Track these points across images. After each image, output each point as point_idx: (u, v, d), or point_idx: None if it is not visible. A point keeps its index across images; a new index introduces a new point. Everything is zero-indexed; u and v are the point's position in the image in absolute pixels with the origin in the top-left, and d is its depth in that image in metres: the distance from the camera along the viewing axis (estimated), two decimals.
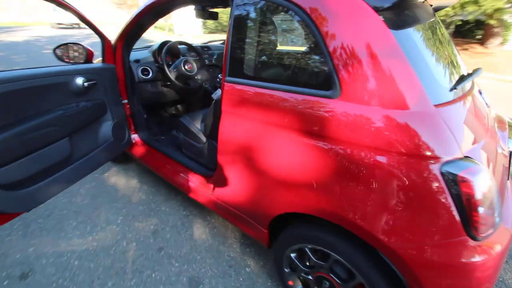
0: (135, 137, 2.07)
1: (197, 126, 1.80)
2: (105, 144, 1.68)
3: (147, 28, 1.76)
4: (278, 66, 1.06)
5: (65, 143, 1.41)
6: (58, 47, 1.61)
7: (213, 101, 1.47)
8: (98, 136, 1.67)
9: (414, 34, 0.96)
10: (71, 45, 1.64)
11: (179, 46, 2.12)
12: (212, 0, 1.33)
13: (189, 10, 1.56)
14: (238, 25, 1.14)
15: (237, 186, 1.28)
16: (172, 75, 1.93)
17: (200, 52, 2.14)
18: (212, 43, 2.68)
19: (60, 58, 1.61)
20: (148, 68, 2.04)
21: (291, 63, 1.04)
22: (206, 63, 2.20)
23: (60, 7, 1.40)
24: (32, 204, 1.27)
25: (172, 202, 1.99)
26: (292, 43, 1.10)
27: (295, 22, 1.00)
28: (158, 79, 2.09)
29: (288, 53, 1.07)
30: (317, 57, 0.95)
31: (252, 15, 1.11)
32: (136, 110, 2.03)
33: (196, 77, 2.07)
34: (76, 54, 1.64)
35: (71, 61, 1.62)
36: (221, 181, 1.37)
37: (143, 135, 2.09)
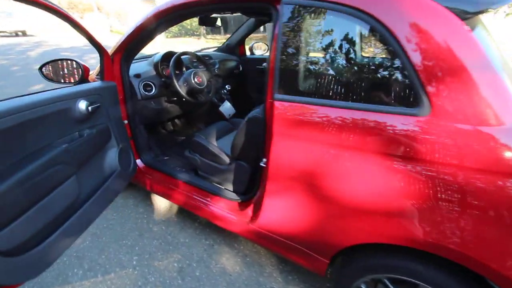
0: (138, 162, 1.82)
1: (214, 144, 1.62)
2: (113, 175, 1.43)
3: (152, 39, 1.53)
4: (347, 82, 0.95)
5: (72, 183, 1.15)
6: (45, 64, 1.33)
7: (246, 120, 1.31)
8: (103, 168, 1.42)
9: (489, 41, 0.91)
10: (62, 61, 1.37)
11: (182, 57, 1.90)
12: (253, 12, 1.17)
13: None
14: (291, 37, 1.00)
15: (292, 215, 1.14)
16: (182, 90, 1.72)
17: (206, 62, 1.95)
18: (209, 51, 2.48)
19: (50, 79, 1.32)
20: (151, 83, 1.80)
21: (363, 78, 0.93)
22: (214, 73, 2.01)
23: (52, 13, 1.14)
24: (40, 269, 1.02)
25: (190, 231, 1.78)
26: (363, 56, 1.00)
27: (368, 33, 0.89)
28: (162, 95, 1.86)
29: (360, 66, 0.96)
30: (396, 71, 0.86)
31: (311, 24, 0.98)
32: (138, 131, 1.78)
33: (205, 90, 1.87)
34: (70, 72, 1.36)
35: (65, 82, 1.35)
36: (269, 209, 1.22)
37: (147, 159, 1.85)
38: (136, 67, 1.82)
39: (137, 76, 1.76)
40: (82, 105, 1.20)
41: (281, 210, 1.18)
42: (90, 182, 1.30)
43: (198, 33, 12.81)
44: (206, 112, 2.24)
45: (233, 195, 1.53)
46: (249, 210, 1.37)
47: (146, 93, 1.77)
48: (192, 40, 12.19)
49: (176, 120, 2.41)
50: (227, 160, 1.58)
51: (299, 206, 1.11)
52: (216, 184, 1.65)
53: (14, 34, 13.60)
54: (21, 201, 0.92)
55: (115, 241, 1.69)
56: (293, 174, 1.08)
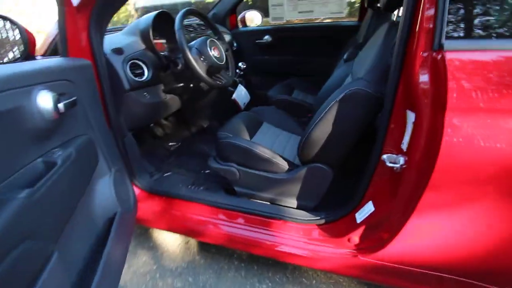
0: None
1: (260, 145, 1.08)
2: (114, 227, 0.80)
3: None
4: None
5: (54, 273, 0.52)
6: None
7: (339, 100, 0.82)
8: (95, 216, 0.78)
9: None
10: None
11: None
12: None
13: None
14: None
15: (467, 234, 0.71)
16: (201, 69, 1.09)
17: (217, 28, 1.32)
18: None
19: None
20: (141, 63, 1.13)
21: None
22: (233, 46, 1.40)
23: None
24: None
25: (231, 276, 1.22)
26: None
27: None
28: (158, 81, 1.20)
29: None
30: None
31: None
32: (126, 141, 1.12)
33: (224, 69, 1.28)
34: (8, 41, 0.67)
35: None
36: (418, 231, 0.75)
37: (144, 182, 1.22)
38: (112, 40, 1.13)
39: (118, 51, 1.07)
40: (45, 100, 0.56)
41: (445, 230, 0.73)
42: (80, 250, 0.66)
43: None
44: (212, 102, 1.63)
45: (308, 215, 1.03)
46: (355, 236, 0.89)
47: (136, 78, 1.11)
48: None
49: (164, 120, 1.73)
50: (285, 165, 1.06)
51: (484, 220, 0.68)
52: (269, 203, 1.13)
53: None
54: None
55: None
56: (482, 176, 0.63)
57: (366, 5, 1.48)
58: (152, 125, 1.66)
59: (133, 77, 1.09)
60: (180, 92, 1.28)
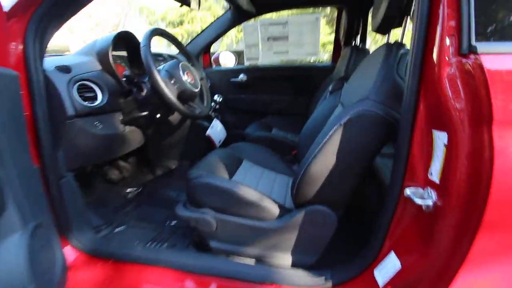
0: (68, 251, 0.86)
1: (246, 185, 0.87)
2: None
3: None
4: None
5: None
6: None
7: (345, 123, 0.68)
8: None
9: None
10: None
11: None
12: None
13: None
14: None
15: None
16: (171, 92, 0.89)
17: (189, 54, 1.18)
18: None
19: None
20: (94, 85, 0.91)
21: None
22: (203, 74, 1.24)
23: None
24: None
25: None
26: None
27: None
28: (116, 107, 0.98)
29: None
30: None
31: None
32: (64, 185, 0.84)
33: (198, 97, 1.11)
34: None
35: None
36: None
37: (87, 240, 0.91)
38: (60, 59, 0.92)
39: (64, 69, 0.85)
40: None
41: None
42: None
43: None
44: (182, 139, 1.40)
45: (309, 277, 0.78)
46: None
47: (86, 102, 0.88)
48: None
49: (121, 159, 1.44)
50: (275, 210, 0.84)
51: None
52: (255, 261, 0.87)
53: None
54: None
55: None
56: None
57: (342, 43, 1.51)
58: (105, 165, 1.37)
59: (81, 101, 0.86)
60: (144, 124, 1.06)
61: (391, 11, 0.71)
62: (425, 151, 0.59)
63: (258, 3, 1.60)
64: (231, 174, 1.02)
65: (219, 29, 1.88)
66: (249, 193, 0.83)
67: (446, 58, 0.52)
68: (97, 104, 0.90)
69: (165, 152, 1.41)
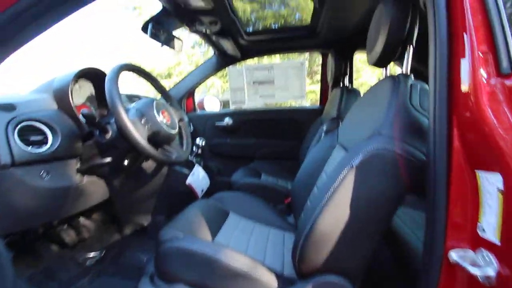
0: None
1: (229, 247, 0.68)
2: None
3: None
4: None
5: None
6: None
7: (355, 166, 0.54)
8: None
9: None
10: None
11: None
12: None
13: None
14: None
15: None
16: (139, 133, 0.73)
17: (168, 93, 1.05)
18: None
19: None
20: (44, 127, 0.74)
21: None
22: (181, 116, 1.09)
23: None
24: None
25: None
26: None
27: None
28: (71, 154, 0.79)
29: None
30: None
31: None
32: None
33: (176, 141, 0.95)
34: None
35: None
36: None
37: None
38: (6, 95, 0.76)
39: (6, 107, 0.69)
40: None
41: None
42: None
43: None
44: (157, 189, 1.19)
45: None
46: None
47: (29, 148, 0.69)
48: None
49: (78, 217, 1.18)
50: (272, 282, 0.64)
51: None
52: None
53: None
54: None
55: None
56: None
57: (330, 85, 1.48)
58: (59, 224, 1.11)
59: (22, 145, 0.68)
60: (108, 173, 0.87)
61: (392, 42, 0.64)
62: (468, 199, 0.45)
63: (243, 48, 1.59)
64: (215, 232, 0.82)
65: (204, 73, 1.84)
66: (237, 261, 0.63)
67: (483, 81, 0.41)
68: (46, 150, 0.72)
69: (136, 206, 1.19)
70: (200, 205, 0.96)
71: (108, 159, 0.81)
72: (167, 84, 6.76)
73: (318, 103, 1.86)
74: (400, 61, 0.69)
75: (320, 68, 1.76)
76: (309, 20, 1.37)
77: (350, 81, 1.47)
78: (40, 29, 0.60)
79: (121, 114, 0.69)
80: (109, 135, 0.80)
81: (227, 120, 1.86)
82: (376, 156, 0.53)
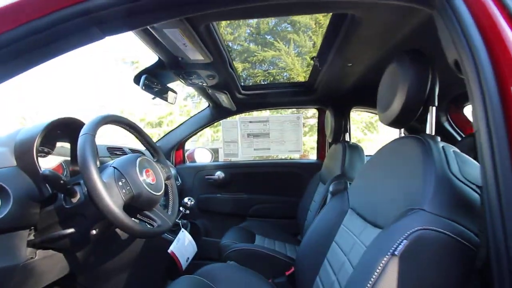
0: None
1: None
2: None
3: None
4: None
5: None
6: None
7: (398, 254, 0.42)
8: None
9: None
10: None
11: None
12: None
13: None
14: None
15: None
16: (112, 199, 0.58)
17: (155, 147, 0.92)
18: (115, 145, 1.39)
19: None
20: None
21: None
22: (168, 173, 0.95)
23: None
24: None
25: None
26: None
27: None
28: (23, 222, 0.62)
29: None
30: None
31: None
32: None
33: (161, 203, 0.80)
34: None
35: None
36: None
37: None
38: None
39: None
40: None
41: None
42: None
43: None
44: (132, 260, 0.96)
45: None
46: None
47: None
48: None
49: None
50: None
51: None
52: None
53: None
54: None
55: None
56: None
57: (330, 140, 1.43)
58: None
59: None
60: (69, 246, 0.69)
61: (412, 104, 0.59)
62: None
63: (239, 102, 1.57)
64: None
65: (196, 125, 1.77)
66: None
67: None
68: None
69: (104, 282, 0.96)
70: (183, 285, 0.77)
71: (71, 230, 0.64)
72: (157, 132, 6.73)
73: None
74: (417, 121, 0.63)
75: (306, 121, 1.75)
76: (307, 77, 1.38)
77: (349, 136, 1.43)
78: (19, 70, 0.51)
79: (92, 175, 0.56)
80: (76, 199, 0.65)
81: (219, 174, 1.73)
82: (423, 240, 0.41)
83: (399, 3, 0.54)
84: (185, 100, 6.75)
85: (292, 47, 2.93)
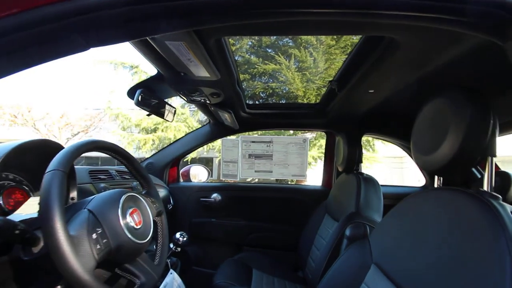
0: None
1: None
2: None
3: None
4: None
5: None
6: None
7: None
8: None
9: None
10: None
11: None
12: None
13: None
14: None
15: None
16: (78, 259, 0.43)
17: (146, 176, 0.78)
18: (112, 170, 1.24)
19: None
20: None
21: None
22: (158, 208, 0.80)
23: None
24: None
25: None
26: None
27: None
28: None
29: None
30: None
31: None
32: None
33: (157, 248, 0.66)
34: None
35: None
36: None
37: None
38: None
39: None
40: None
41: None
42: None
43: None
44: None
45: None
46: None
47: None
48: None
49: None
50: None
51: None
52: None
53: None
54: None
55: None
56: None
57: (341, 169, 1.30)
58: None
59: None
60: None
61: (469, 151, 0.48)
62: None
63: (243, 120, 1.44)
64: None
65: (194, 142, 1.63)
66: None
67: None
68: None
69: None
70: None
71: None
72: (151, 138, 6.54)
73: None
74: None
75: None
76: (318, 99, 1.27)
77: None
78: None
79: (54, 230, 0.41)
80: (38, 248, 0.50)
81: (215, 196, 1.58)
82: None
83: (462, 31, 0.44)
84: (183, 108, 6.61)
85: (293, 61, 2.86)
